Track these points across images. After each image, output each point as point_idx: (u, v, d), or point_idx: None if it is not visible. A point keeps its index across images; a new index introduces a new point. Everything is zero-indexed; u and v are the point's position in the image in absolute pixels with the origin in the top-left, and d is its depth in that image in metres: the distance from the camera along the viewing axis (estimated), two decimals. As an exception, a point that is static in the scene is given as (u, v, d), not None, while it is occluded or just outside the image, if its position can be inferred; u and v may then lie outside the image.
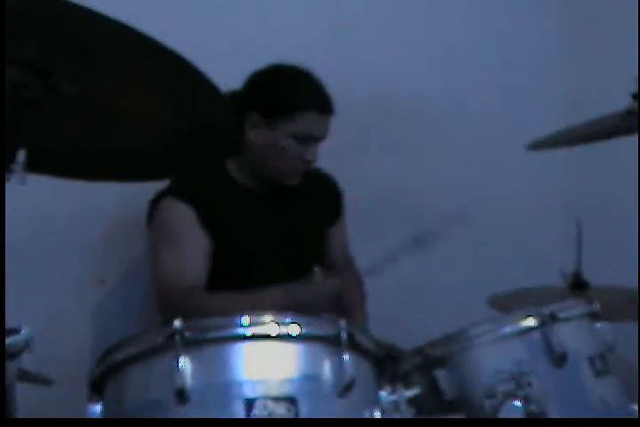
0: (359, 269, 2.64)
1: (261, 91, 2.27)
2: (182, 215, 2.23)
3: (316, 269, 2.24)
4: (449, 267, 3.01)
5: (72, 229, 2.48)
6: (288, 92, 2.26)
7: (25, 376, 1.51)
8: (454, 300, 2.92)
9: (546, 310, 1.70)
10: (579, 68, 3.12)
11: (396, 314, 2.73)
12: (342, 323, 1.44)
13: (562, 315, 1.71)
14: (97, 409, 1.43)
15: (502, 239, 3.05)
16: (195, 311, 1.89)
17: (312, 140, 2.26)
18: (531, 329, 1.70)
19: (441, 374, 1.69)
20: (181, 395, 1.35)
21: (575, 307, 1.79)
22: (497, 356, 1.69)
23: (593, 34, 3.08)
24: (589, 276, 2.31)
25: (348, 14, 2.85)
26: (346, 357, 1.41)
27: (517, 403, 1.60)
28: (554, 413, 1.63)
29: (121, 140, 1.46)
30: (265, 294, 2.14)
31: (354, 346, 1.44)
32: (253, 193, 2.35)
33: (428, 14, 2.97)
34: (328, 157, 2.41)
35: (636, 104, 2.00)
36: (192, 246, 2.24)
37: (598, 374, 1.72)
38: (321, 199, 2.48)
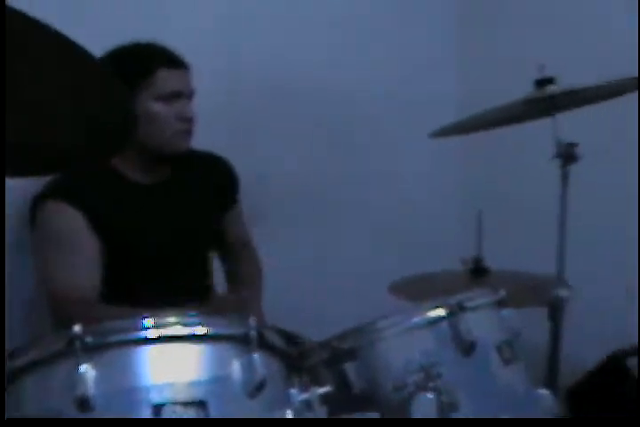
0: (257, 250, 2.58)
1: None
2: (70, 219, 2.13)
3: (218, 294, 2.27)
4: (348, 254, 3.00)
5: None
6: (132, 63, 2.19)
7: None
8: (354, 287, 2.91)
9: (453, 300, 1.70)
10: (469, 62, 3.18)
11: (295, 304, 2.70)
12: (251, 321, 1.39)
13: (469, 304, 1.71)
14: (-6, 421, 1.35)
15: (400, 226, 3.05)
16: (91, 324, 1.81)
17: (177, 96, 2.21)
18: (439, 319, 1.69)
19: (350, 368, 1.67)
20: (83, 404, 1.28)
21: (482, 296, 1.79)
22: (406, 347, 1.68)
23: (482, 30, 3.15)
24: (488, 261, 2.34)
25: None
26: (255, 356, 1.36)
27: (429, 395, 1.58)
28: (464, 402, 1.62)
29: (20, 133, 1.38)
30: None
31: (263, 344, 1.40)
32: (142, 187, 2.28)
33: (320, 6, 2.93)
34: (227, 146, 2.40)
35: (538, 91, 2.05)
36: (83, 253, 2.14)
37: (506, 361, 1.73)
38: (215, 185, 2.42)
